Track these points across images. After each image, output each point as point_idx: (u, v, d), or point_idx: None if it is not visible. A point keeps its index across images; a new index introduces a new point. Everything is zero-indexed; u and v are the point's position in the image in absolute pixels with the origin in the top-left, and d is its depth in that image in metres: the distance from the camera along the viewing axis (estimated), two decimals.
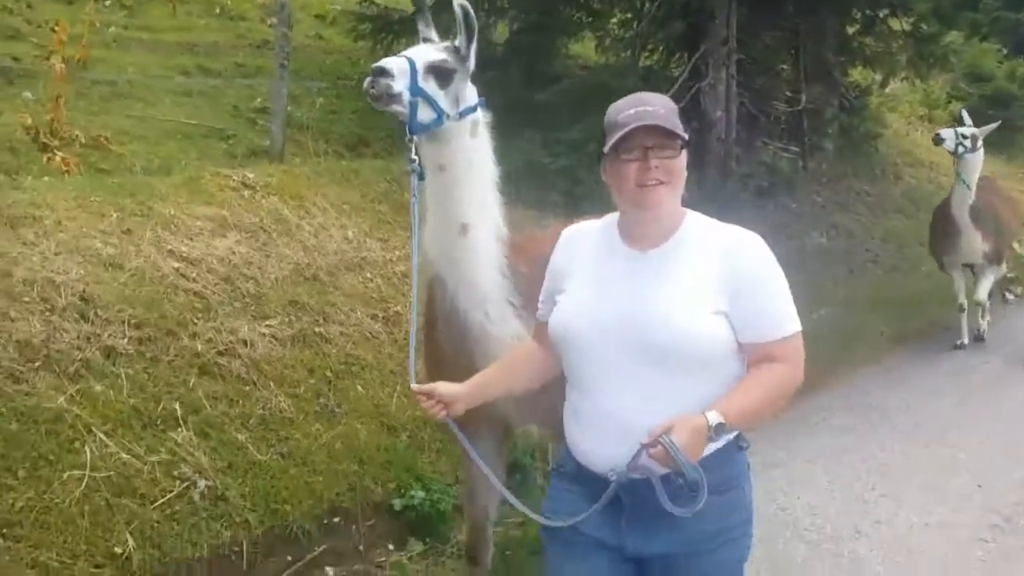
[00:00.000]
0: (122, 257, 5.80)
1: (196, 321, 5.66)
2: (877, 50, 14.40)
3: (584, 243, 3.01)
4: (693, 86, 11.45)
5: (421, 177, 3.33)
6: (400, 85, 3.22)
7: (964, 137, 9.57)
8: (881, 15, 13.98)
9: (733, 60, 11.64)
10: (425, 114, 3.31)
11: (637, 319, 2.71)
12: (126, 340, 5.26)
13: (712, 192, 11.06)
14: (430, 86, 3.31)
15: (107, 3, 12.68)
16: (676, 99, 10.88)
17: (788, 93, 13.58)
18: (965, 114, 10.21)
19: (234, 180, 7.29)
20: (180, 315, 5.62)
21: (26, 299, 5.12)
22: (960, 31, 19.28)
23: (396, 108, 3.25)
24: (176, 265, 5.99)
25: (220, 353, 5.57)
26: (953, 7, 14.99)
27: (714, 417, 2.58)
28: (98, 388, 4.92)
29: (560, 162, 9.53)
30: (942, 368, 9.60)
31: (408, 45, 10.72)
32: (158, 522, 4.56)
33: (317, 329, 6.19)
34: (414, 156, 3.30)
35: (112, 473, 4.60)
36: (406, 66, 3.25)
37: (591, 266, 2.92)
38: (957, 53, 18.13)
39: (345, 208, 7.79)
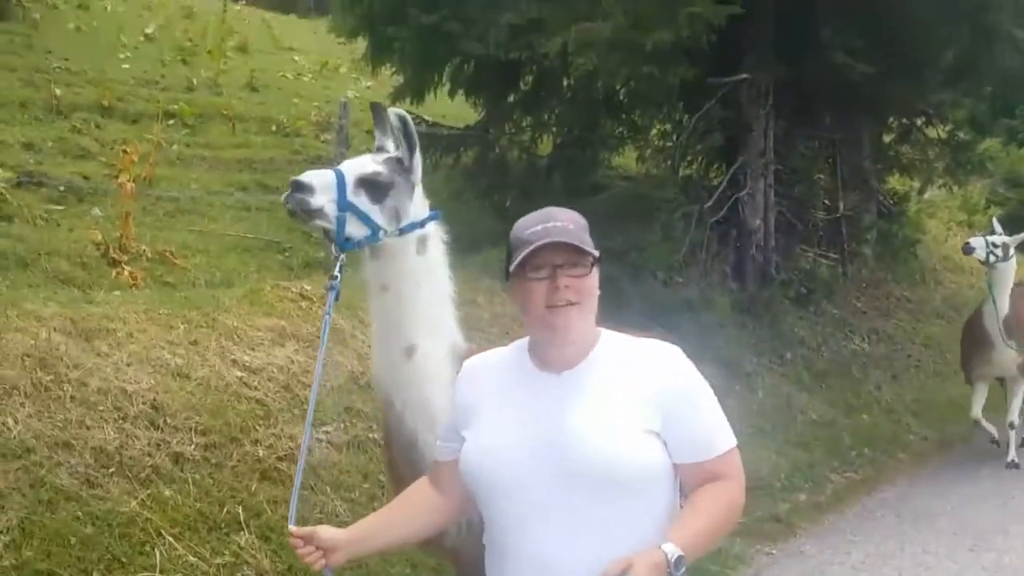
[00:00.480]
0: (189, 367, 6.13)
1: (257, 428, 5.95)
2: (914, 158, 14.60)
3: (490, 372, 2.79)
4: (732, 196, 11.78)
5: (337, 297, 3.13)
6: (321, 200, 3.05)
7: (995, 246, 9.49)
8: (917, 123, 14.29)
9: (771, 170, 11.97)
10: (356, 229, 3.13)
11: (558, 445, 2.51)
12: (193, 446, 5.55)
13: (752, 299, 11.30)
14: (361, 200, 3.13)
15: (170, 122, 13.38)
16: (715, 208, 11.42)
17: (826, 201, 13.87)
18: (996, 223, 10.11)
19: (292, 292, 7.65)
20: (243, 422, 5.91)
21: (100, 408, 5.43)
22: (997, 137, 19.60)
23: (319, 224, 3.10)
24: (239, 374, 6.30)
25: (280, 459, 5.83)
26: (990, 115, 15.31)
27: (672, 550, 2.37)
28: (167, 493, 5.19)
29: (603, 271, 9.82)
30: (984, 472, 9.58)
31: (455, 160, 11.23)
32: None
33: (371, 435, 6.44)
34: (336, 273, 3.13)
35: (180, 575, 4.83)
36: (332, 179, 3.09)
37: (500, 395, 2.70)
38: (994, 159, 18.41)
39: None
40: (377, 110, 3.54)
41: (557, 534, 2.50)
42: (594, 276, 2.62)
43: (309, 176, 3.08)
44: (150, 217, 10.13)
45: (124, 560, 4.75)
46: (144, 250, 8.82)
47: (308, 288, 7.81)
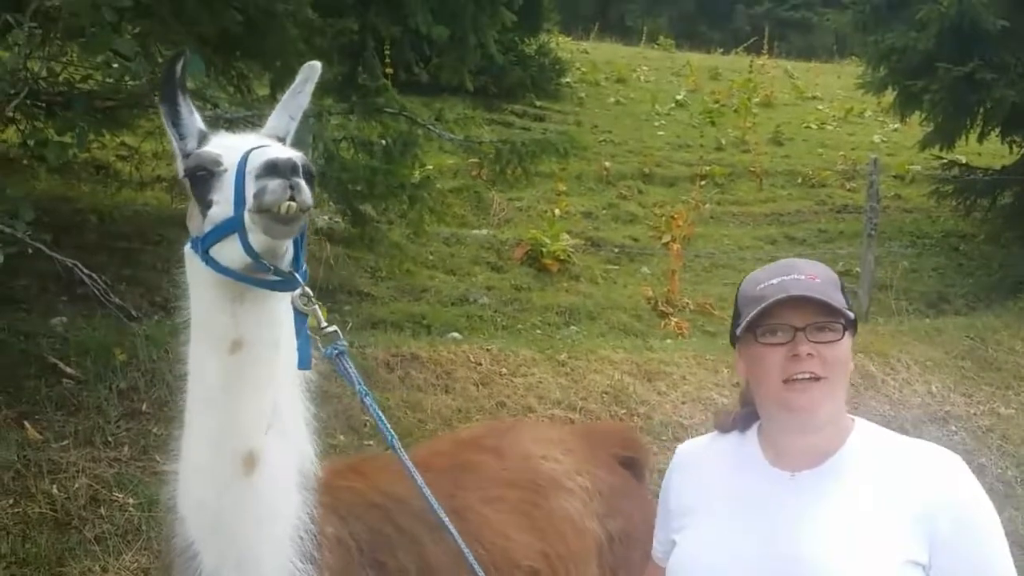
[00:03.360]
0: (733, 406, 6.94)
1: None
2: None
3: (709, 463, 2.34)
4: None
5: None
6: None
7: None
8: None
9: None
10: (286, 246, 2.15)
11: (788, 566, 2.04)
12: None
13: None
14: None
15: (703, 183, 14.55)
16: None
17: None
18: None
19: None
20: None
21: (663, 438, 6.42)
22: None
23: (296, 230, 2.08)
24: None
25: None
26: None
27: None
28: None
29: None
30: None
31: (991, 202, 10.86)
32: None
33: None
34: (324, 323, 2.31)
35: None
36: (300, 164, 2.05)
37: (718, 494, 2.25)
38: None
39: (928, 364, 8.25)
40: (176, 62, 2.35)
41: None
42: (846, 344, 2.12)
43: (288, 153, 2.07)
44: (689, 272, 11.25)
45: None
46: (687, 303, 9.91)
47: None
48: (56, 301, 6.65)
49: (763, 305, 2.07)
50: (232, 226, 2.06)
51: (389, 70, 9.79)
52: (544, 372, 6.93)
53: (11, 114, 6.53)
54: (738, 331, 2.16)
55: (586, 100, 19.69)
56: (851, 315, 2.11)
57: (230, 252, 2.08)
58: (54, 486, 4.98)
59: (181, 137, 2.32)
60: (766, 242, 12.56)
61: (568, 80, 20.18)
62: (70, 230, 6.57)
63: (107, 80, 6.53)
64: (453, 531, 2.24)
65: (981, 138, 12.13)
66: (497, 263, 10.54)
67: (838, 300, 2.10)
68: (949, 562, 1.99)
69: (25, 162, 7.79)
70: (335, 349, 2.27)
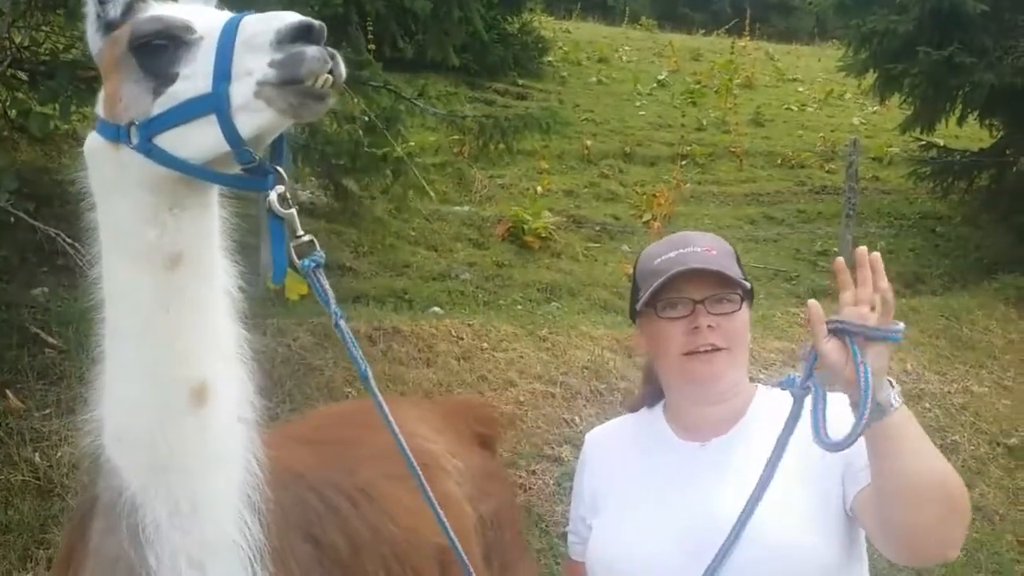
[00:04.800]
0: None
1: None
2: None
3: (619, 446, 2.29)
4: None
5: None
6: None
7: None
8: None
9: None
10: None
11: (717, 533, 1.96)
12: None
13: None
14: None
15: (683, 163, 14.60)
16: None
17: None
18: None
19: (801, 317, 8.27)
20: None
21: None
22: None
23: (327, 107, 1.80)
24: None
25: None
26: None
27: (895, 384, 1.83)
28: None
29: None
30: None
31: (968, 184, 11.01)
32: None
33: None
34: (300, 231, 1.91)
35: None
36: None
37: (635, 474, 2.20)
38: None
39: (903, 343, 8.33)
40: None
41: None
42: (745, 314, 2.13)
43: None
44: None
45: None
46: None
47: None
48: (38, 271, 6.64)
49: (662, 279, 2.05)
50: (209, 105, 1.73)
51: (373, 45, 9.77)
52: (525, 347, 6.99)
53: None
54: (638, 306, 2.14)
55: (568, 79, 19.68)
56: (748, 285, 2.13)
57: (196, 138, 1.76)
58: (36, 454, 5.01)
59: (102, 0, 1.91)
60: (745, 222, 12.63)
61: (550, 59, 20.15)
62: (51, 201, 6.54)
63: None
64: (428, 490, 2.03)
65: (961, 121, 12.24)
66: (479, 239, 10.57)
67: (735, 271, 2.11)
68: (855, 462, 1.96)
69: (6, 133, 7.75)
70: (312, 261, 1.89)
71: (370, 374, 1.99)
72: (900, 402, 1.79)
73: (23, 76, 6.67)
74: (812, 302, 1.85)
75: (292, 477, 2.21)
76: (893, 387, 1.79)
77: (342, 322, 1.95)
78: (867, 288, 1.77)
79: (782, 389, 1.95)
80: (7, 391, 5.25)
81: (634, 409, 2.37)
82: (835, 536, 2.01)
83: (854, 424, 1.72)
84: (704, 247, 2.11)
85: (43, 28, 6.53)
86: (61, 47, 6.72)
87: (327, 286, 1.92)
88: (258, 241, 5.99)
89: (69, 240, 5.24)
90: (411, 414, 2.89)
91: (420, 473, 2.04)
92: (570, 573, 2.42)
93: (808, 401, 1.86)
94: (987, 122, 12.58)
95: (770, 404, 2.11)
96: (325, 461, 2.45)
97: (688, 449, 2.13)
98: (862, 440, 1.77)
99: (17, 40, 6.35)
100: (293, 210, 1.87)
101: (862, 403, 1.71)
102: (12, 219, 5.51)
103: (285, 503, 2.12)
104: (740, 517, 1.93)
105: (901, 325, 1.80)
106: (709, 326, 2.05)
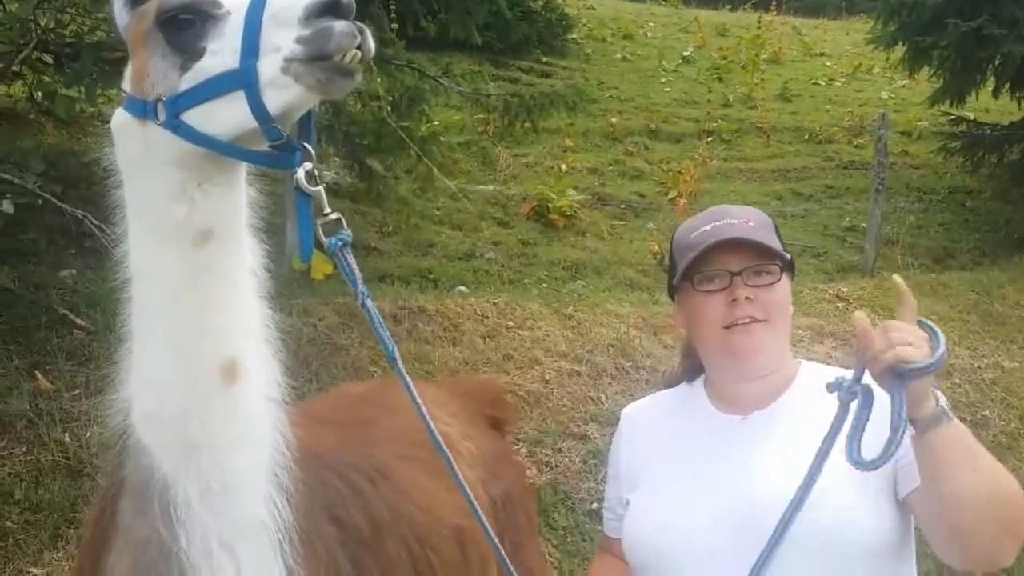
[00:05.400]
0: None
1: None
2: None
3: (657, 421, 2.25)
4: None
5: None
6: None
7: None
8: None
9: None
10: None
11: (757, 508, 1.93)
12: None
13: None
14: None
15: (709, 139, 14.49)
16: None
17: None
18: None
19: (829, 293, 8.22)
20: None
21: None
22: None
23: (354, 83, 1.76)
24: None
25: None
26: None
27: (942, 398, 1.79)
28: None
29: None
30: None
31: (999, 158, 10.90)
32: None
33: None
34: (327, 209, 1.87)
35: None
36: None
37: (671, 448, 2.16)
38: None
39: (933, 318, 8.21)
40: None
41: None
42: (785, 286, 2.08)
43: None
44: None
45: None
46: None
47: (845, 290, 8.32)
48: (65, 253, 6.70)
49: (698, 251, 2.02)
50: (237, 80, 1.70)
51: (395, 24, 9.74)
52: (551, 325, 6.98)
53: (18, 68, 6.54)
54: (675, 281, 2.10)
55: (592, 56, 19.54)
56: (787, 256, 2.07)
57: (224, 115, 1.74)
58: (66, 435, 5.06)
59: None
60: (773, 198, 12.52)
61: (574, 36, 20.01)
62: (78, 183, 6.58)
63: (115, 32, 6.51)
64: (459, 475, 2.01)
65: (995, 93, 12.06)
66: (504, 218, 10.55)
67: (773, 242, 2.06)
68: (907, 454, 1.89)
69: (33, 116, 7.80)
70: (339, 240, 1.85)
71: (397, 354, 1.96)
72: (948, 418, 1.75)
73: (48, 59, 6.70)
74: (859, 316, 1.81)
75: (313, 457, 2.18)
76: (939, 402, 1.76)
77: (369, 302, 1.91)
78: (903, 329, 1.75)
79: (829, 392, 1.87)
80: (37, 372, 5.31)
81: (672, 384, 2.33)
82: (887, 519, 1.96)
83: (884, 446, 1.72)
84: (741, 219, 2.07)
85: (68, 10, 6.55)
86: (86, 29, 6.74)
87: (354, 265, 1.88)
88: (283, 221, 6.01)
89: (96, 222, 5.28)
90: (428, 395, 2.82)
91: (450, 456, 2.00)
92: (605, 550, 2.38)
93: (851, 414, 1.83)
94: (1018, 95, 12.40)
95: (815, 380, 2.04)
96: (344, 442, 2.44)
97: (728, 422, 2.09)
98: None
99: (42, 22, 6.38)
100: (320, 188, 1.83)
101: (893, 429, 1.72)
102: (40, 201, 5.55)
103: (309, 483, 2.10)
104: (794, 499, 1.87)
105: (942, 349, 1.76)
106: (747, 298, 2.01)
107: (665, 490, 2.09)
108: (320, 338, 6.18)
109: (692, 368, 2.27)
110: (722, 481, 2.00)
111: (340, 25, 1.65)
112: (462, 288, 8.12)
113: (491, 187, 11.39)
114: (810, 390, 2.04)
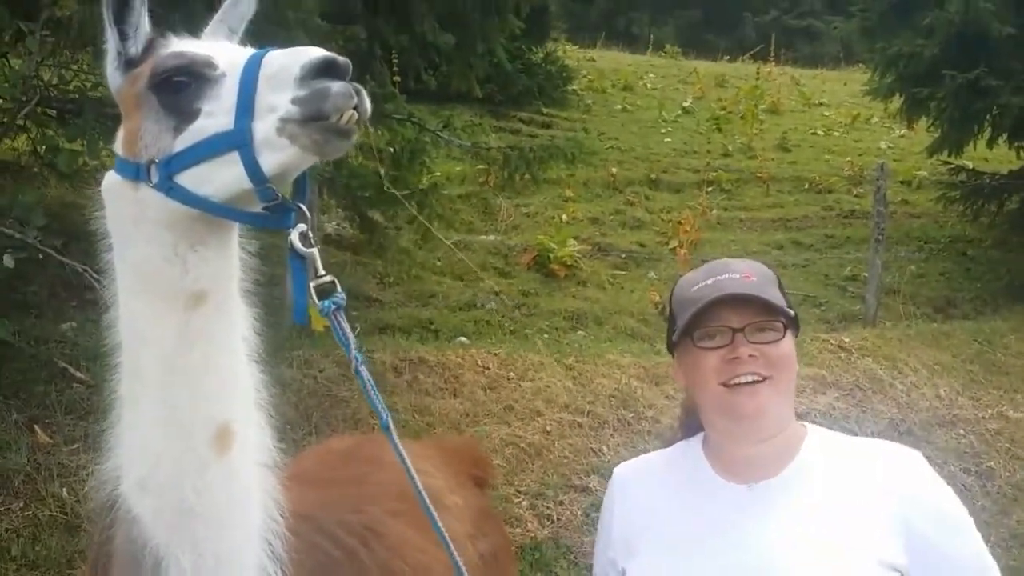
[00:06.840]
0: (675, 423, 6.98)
1: None
2: None
3: (653, 482, 2.14)
4: None
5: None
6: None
7: None
8: None
9: None
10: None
11: None
12: None
13: None
14: None
15: (709, 189, 14.55)
16: None
17: None
18: None
19: (831, 343, 8.19)
20: None
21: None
22: None
23: (350, 144, 1.77)
24: None
25: None
26: None
27: None
28: None
29: None
30: None
31: (998, 207, 10.89)
32: None
33: None
34: (322, 271, 1.86)
35: None
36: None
37: (672, 515, 2.05)
38: None
39: (936, 368, 8.25)
40: None
41: None
42: (789, 343, 1.98)
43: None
44: None
45: None
46: None
47: (847, 340, 8.30)
48: (66, 306, 6.70)
49: (698, 307, 1.94)
50: (231, 141, 1.69)
51: (397, 78, 9.84)
52: (552, 376, 6.95)
53: (21, 122, 6.59)
54: (674, 337, 2.01)
55: (593, 107, 19.73)
56: (791, 312, 1.99)
57: (218, 176, 1.72)
58: (64, 489, 5.02)
59: (124, 37, 1.87)
60: (773, 247, 12.55)
61: (575, 87, 20.23)
62: (80, 236, 6.58)
63: None
64: (443, 532, 1.95)
65: (991, 143, 12.14)
66: (505, 268, 10.57)
67: (776, 298, 1.98)
68: (926, 558, 1.86)
69: (36, 170, 7.84)
70: (333, 303, 1.84)
71: (391, 424, 1.91)
72: None
73: (51, 113, 6.76)
74: None
75: (303, 520, 2.13)
76: None
77: (363, 368, 1.88)
78: None
79: None
80: (35, 426, 5.28)
81: (669, 443, 2.24)
82: None
83: None
84: (743, 273, 1.99)
85: (71, 67, 6.62)
86: (89, 85, 6.81)
87: (348, 329, 1.86)
88: (284, 271, 6.01)
89: (96, 275, 5.27)
90: (414, 451, 2.83)
91: (435, 515, 1.95)
92: None
93: None
94: (1016, 145, 12.48)
95: (826, 446, 1.99)
96: (334, 500, 2.42)
97: (732, 491, 1.98)
98: (963, 531, 1.87)
99: (46, 78, 6.44)
100: (315, 249, 1.82)
101: None
102: (40, 255, 5.56)
103: (301, 549, 2.06)
104: None
105: None
106: (751, 355, 1.91)
107: (665, 560, 1.99)
108: (320, 390, 6.16)
109: (691, 425, 2.19)
110: (728, 553, 1.92)
111: (337, 86, 1.64)
112: (463, 339, 8.11)
113: (492, 237, 11.43)
114: (824, 458, 1.98)
